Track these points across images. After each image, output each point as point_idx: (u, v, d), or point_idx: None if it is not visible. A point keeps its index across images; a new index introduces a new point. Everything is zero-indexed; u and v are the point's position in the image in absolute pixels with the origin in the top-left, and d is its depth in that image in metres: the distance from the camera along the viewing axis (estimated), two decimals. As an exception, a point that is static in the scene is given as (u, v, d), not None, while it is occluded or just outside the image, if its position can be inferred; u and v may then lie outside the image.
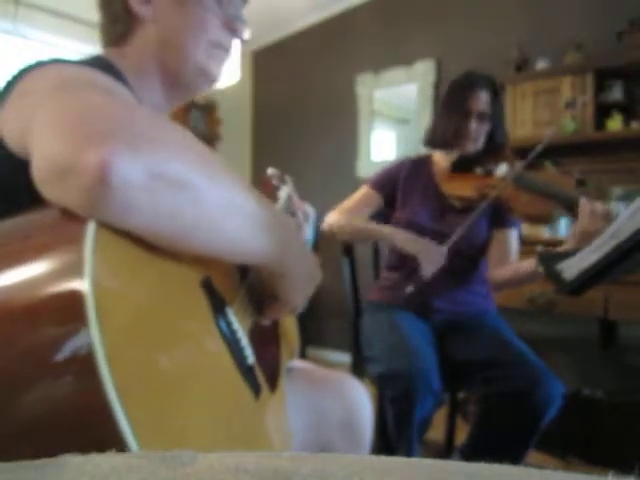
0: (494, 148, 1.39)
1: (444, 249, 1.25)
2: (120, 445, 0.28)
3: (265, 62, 3.94)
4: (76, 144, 0.34)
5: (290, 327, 0.77)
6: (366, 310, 1.48)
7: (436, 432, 1.72)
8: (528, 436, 1.12)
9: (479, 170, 1.34)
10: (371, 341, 1.33)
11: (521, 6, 2.65)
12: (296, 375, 0.78)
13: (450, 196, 1.35)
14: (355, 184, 3.53)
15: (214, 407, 0.40)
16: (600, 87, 2.24)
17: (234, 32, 0.71)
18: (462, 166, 1.36)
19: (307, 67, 3.65)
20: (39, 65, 0.50)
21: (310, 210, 0.89)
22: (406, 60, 3.06)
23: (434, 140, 1.43)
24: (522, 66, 2.48)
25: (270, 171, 0.88)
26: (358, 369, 1.45)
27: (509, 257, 1.37)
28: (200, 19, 0.67)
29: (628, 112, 2.21)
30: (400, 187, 1.45)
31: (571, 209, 1.12)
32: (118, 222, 0.35)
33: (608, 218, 1.06)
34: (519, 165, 1.26)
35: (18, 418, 0.29)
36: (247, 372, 0.49)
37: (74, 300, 0.29)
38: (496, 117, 1.39)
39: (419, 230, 1.35)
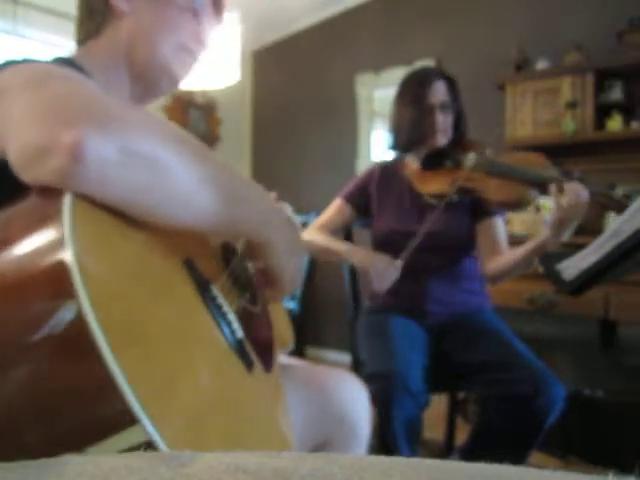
0: (461, 139, 1.38)
1: (398, 263, 1.24)
2: (124, 410, 0.29)
3: (265, 62, 3.94)
4: (50, 126, 0.36)
5: (281, 318, 0.77)
6: (361, 314, 1.48)
7: (436, 432, 1.72)
8: (529, 440, 1.11)
9: (448, 163, 1.33)
10: (361, 345, 1.34)
11: (521, 6, 2.65)
12: (294, 372, 0.79)
13: (425, 194, 1.34)
14: (355, 184, 3.54)
15: (203, 370, 0.41)
16: (600, 87, 2.24)
17: (203, 43, 0.75)
18: (432, 162, 1.35)
19: (307, 67, 3.65)
20: (9, 64, 0.51)
21: (287, 207, 0.89)
22: (406, 60, 3.06)
23: (401, 143, 1.42)
24: (522, 66, 2.48)
25: None
26: (358, 369, 1.45)
27: (499, 246, 1.35)
28: (173, 21, 0.70)
29: (628, 112, 2.21)
30: (373, 196, 1.44)
31: (544, 190, 1.10)
32: (94, 197, 0.37)
33: (582, 205, 1.03)
34: (488, 152, 1.24)
35: (15, 393, 0.30)
36: (236, 345, 0.49)
37: (60, 272, 0.30)
38: (457, 107, 1.38)
39: (401, 235, 1.34)
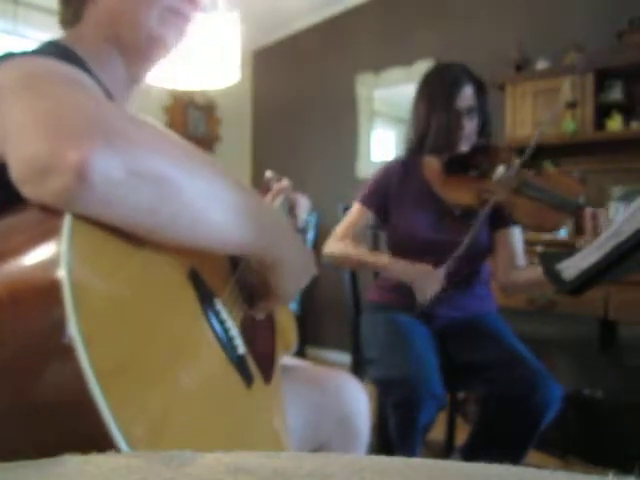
0: (484, 144, 1.33)
1: (440, 273, 1.21)
2: (104, 434, 0.28)
3: (265, 62, 3.94)
4: (54, 143, 0.34)
5: (287, 320, 0.77)
6: (365, 310, 1.47)
7: (436, 432, 1.72)
8: (527, 438, 1.12)
9: (474, 172, 1.28)
10: (369, 342, 1.32)
11: (521, 6, 2.65)
12: (294, 374, 0.79)
13: (448, 202, 1.30)
14: (355, 184, 3.54)
15: (200, 392, 0.40)
16: (600, 87, 2.24)
17: (191, 0, 0.68)
18: (455, 167, 1.30)
19: (307, 67, 3.65)
20: (4, 59, 0.49)
21: (305, 201, 0.89)
22: (406, 60, 3.06)
23: (424, 146, 1.35)
24: (522, 66, 2.48)
25: (268, 174, 0.89)
26: (358, 369, 1.45)
27: (517, 258, 1.33)
28: None
29: (628, 112, 2.21)
30: (392, 194, 1.39)
31: (579, 217, 1.08)
32: (98, 217, 0.36)
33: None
34: (516, 165, 1.19)
35: (2, 405, 0.30)
36: (237, 361, 0.48)
37: (51, 289, 0.30)
38: (483, 110, 1.33)
39: (418, 242, 1.32)
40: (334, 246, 1.39)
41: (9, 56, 0.50)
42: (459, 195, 1.27)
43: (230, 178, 0.46)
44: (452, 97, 1.29)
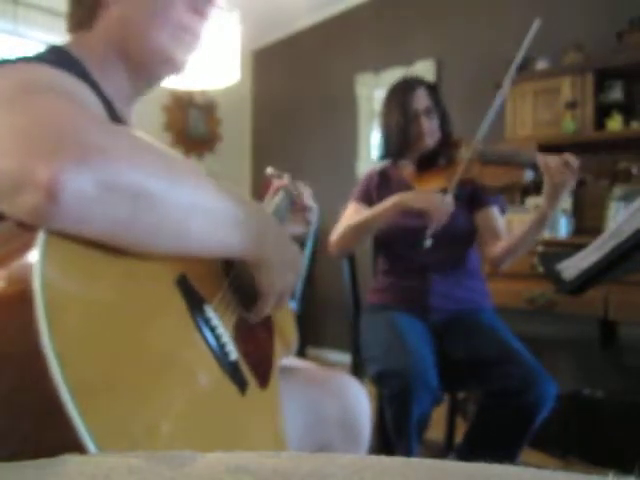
0: (448, 139, 1.44)
1: (449, 197, 1.26)
2: (79, 450, 0.28)
3: (265, 62, 3.94)
4: (24, 161, 0.34)
5: (286, 321, 0.76)
6: (364, 312, 1.48)
7: (436, 432, 1.72)
8: (521, 435, 1.13)
9: (442, 161, 1.39)
10: (369, 342, 1.34)
11: (521, 6, 2.65)
12: (294, 375, 0.78)
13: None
14: (355, 184, 3.54)
15: (190, 403, 0.39)
16: (600, 87, 2.24)
17: (202, 15, 0.67)
18: (426, 163, 1.41)
19: (307, 67, 3.65)
20: None
21: (306, 189, 0.89)
22: (406, 60, 3.06)
23: (392, 149, 1.47)
24: (522, 66, 2.48)
25: (269, 170, 0.90)
26: (358, 369, 1.45)
27: (500, 233, 1.38)
28: (164, 1, 0.64)
29: (628, 112, 2.21)
30: (375, 198, 1.49)
31: (536, 169, 1.19)
32: (73, 233, 0.36)
33: (568, 165, 1.11)
34: (476, 141, 1.30)
35: None
36: (230, 368, 0.48)
37: (23, 302, 0.30)
38: (441, 111, 1.45)
39: (400, 229, 1.40)
40: (338, 231, 1.43)
41: (1, 63, 0.50)
42: (434, 183, 1.37)
43: (215, 185, 0.46)
44: (407, 99, 1.42)
